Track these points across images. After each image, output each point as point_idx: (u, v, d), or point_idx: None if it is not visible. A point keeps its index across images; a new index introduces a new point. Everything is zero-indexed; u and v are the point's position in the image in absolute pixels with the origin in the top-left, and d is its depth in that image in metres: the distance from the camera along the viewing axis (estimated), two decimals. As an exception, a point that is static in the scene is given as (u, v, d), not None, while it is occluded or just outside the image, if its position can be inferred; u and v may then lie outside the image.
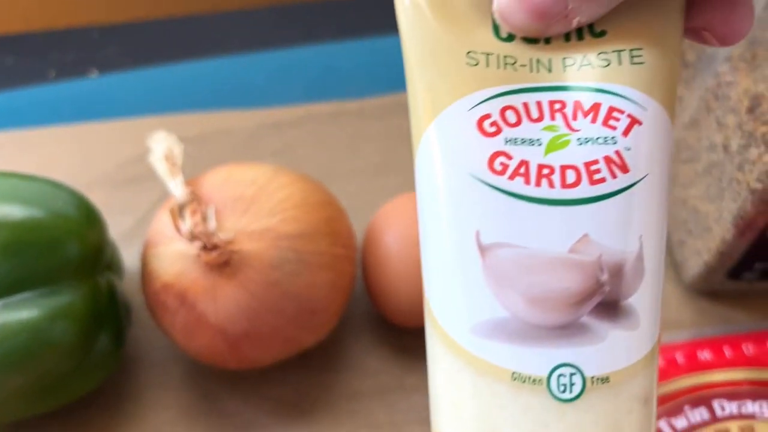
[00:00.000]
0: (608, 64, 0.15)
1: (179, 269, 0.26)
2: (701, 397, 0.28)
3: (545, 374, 0.14)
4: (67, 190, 0.27)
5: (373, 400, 0.30)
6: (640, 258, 0.15)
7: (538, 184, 0.15)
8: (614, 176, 0.15)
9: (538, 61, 0.15)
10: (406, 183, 0.36)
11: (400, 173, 0.37)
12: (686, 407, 0.27)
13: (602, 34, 0.15)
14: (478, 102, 0.15)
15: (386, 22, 0.45)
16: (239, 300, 0.26)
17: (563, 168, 0.15)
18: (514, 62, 0.15)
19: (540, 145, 0.15)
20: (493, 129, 0.15)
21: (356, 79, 0.40)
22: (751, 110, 0.24)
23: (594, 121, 0.15)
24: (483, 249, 0.15)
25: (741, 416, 0.27)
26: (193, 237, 0.25)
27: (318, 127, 0.38)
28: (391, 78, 0.40)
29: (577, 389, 0.14)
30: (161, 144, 0.28)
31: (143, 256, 0.28)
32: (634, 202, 0.15)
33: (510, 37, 0.15)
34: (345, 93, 0.40)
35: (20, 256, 0.25)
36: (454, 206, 0.15)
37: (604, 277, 0.14)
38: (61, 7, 0.60)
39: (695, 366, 0.28)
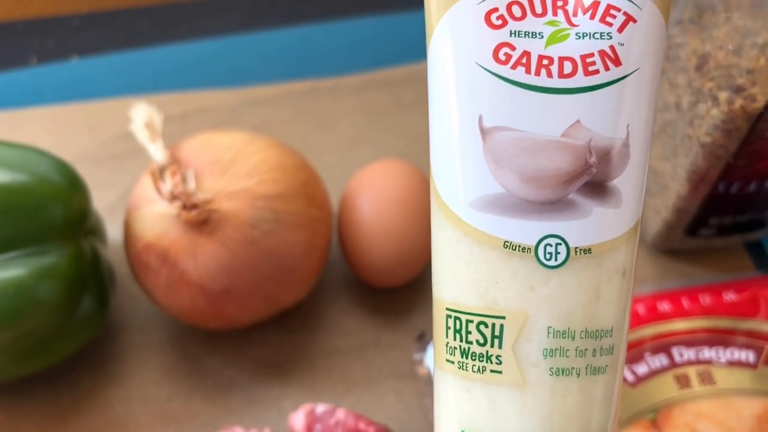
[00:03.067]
0: None
1: (161, 229, 0.27)
2: (661, 345, 0.29)
3: (533, 243, 0.16)
4: (51, 157, 0.28)
5: (350, 358, 0.31)
6: (626, 144, 0.16)
7: (537, 73, 0.16)
8: (607, 69, 0.16)
9: None
10: (379, 155, 0.38)
11: (372, 145, 0.38)
12: (647, 354, 0.29)
13: None
14: None
15: (360, 4, 0.46)
16: (219, 257, 0.27)
17: (561, 59, 0.16)
18: None
19: (542, 38, 0.16)
20: (499, 22, 0.16)
21: (331, 58, 0.42)
22: (699, 68, 0.26)
23: (592, 17, 0.16)
24: (484, 132, 0.16)
25: (699, 362, 0.29)
26: (173, 197, 0.26)
27: (295, 103, 0.39)
28: (364, 57, 0.42)
29: (561, 258, 0.16)
30: (142, 113, 0.29)
31: (126, 219, 0.29)
32: (624, 94, 0.16)
33: None
34: (320, 72, 0.41)
35: (6, 218, 0.26)
36: (460, 92, 0.16)
37: (592, 159, 0.16)
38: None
39: (655, 317, 0.30)
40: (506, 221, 0.16)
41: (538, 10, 0.16)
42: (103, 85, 0.41)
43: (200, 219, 0.26)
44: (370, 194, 0.30)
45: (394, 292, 0.33)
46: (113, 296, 0.31)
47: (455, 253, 0.17)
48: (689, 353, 0.29)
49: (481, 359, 0.17)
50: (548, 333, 0.16)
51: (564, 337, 0.16)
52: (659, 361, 0.29)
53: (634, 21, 0.16)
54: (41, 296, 0.26)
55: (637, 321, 0.30)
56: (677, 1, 0.27)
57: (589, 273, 0.16)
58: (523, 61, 0.16)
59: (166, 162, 0.27)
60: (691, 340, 0.29)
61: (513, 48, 0.16)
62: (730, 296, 0.30)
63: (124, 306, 0.33)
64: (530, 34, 0.16)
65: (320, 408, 0.27)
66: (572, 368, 0.16)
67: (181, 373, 0.31)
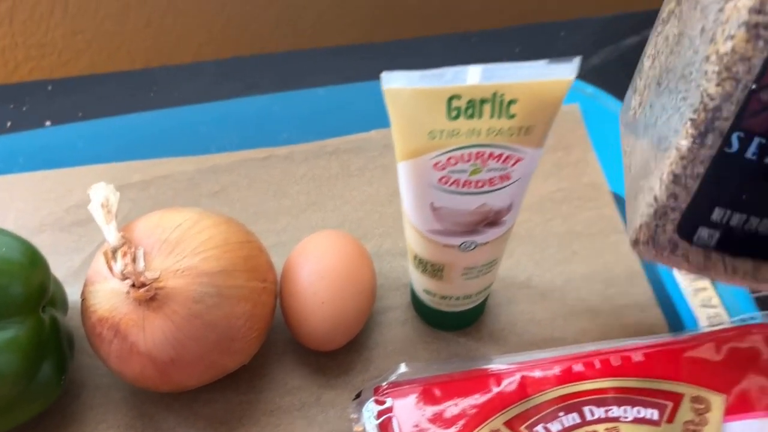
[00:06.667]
0: (513, 134, 0.25)
1: (113, 304, 0.30)
2: (574, 404, 0.32)
3: (458, 244, 0.30)
4: (12, 236, 0.31)
5: (294, 415, 0.34)
6: (510, 207, 0.29)
7: (463, 187, 0.27)
8: (502, 182, 0.27)
9: (473, 130, 0.25)
10: (328, 219, 0.40)
11: (322, 211, 0.41)
12: (560, 413, 0.32)
13: (513, 116, 0.25)
14: (434, 156, 0.26)
15: (315, 76, 0.49)
16: (165, 330, 0.29)
17: (477, 181, 0.27)
18: (458, 133, 0.25)
19: (466, 172, 0.26)
20: (441, 167, 0.26)
21: (287, 127, 0.45)
22: None
23: (497, 161, 0.26)
24: (434, 209, 0.28)
25: (607, 419, 0.31)
26: (124, 276, 0.29)
27: (250, 170, 0.42)
28: (315, 127, 0.45)
29: (472, 247, 0.30)
30: (99, 193, 0.32)
31: (83, 292, 0.31)
32: (509, 190, 0.27)
33: (456, 117, 0.25)
34: (275, 140, 0.44)
35: (-30, 297, 0.28)
36: (420, 194, 0.28)
37: (491, 215, 0.28)
38: (17, 63, 0.65)
39: (570, 378, 0.33)
40: (445, 237, 0.30)
41: (466, 159, 0.26)
42: (71, 152, 0.44)
43: (148, 296, 0.29)
44: (308, 265, 0.33)
45: (335, 354, 0.35)
46: (72, 361, 0.33)
47: (419, 242, 0.31)
48: (599, 411, 0.32)
49: (432, 274, 0.32)
50: (464, 269, 0.31)
51: (471, 269, 0.31)
52: (572, 419, 0.31)
53: (522, 159, 0.26)
54: (1, 369, 0.28)
55: (553, 382, 0.32)
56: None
57: (485, 249, 0.30)
58: (455, 182, 0.27)
59: (118, 243, 0.30)
60: (601, 399, 0.32)
61: (449, 178, 0.27)
62: (638, 357, 0.33)
63: (85, 366, 0.36)
64: (460, 171, 0.26)
65: (258, 467, 0.30)
66: (474, 276, 0.32)
67: (136, 431, 0.33)
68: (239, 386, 0.35)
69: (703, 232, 0.24)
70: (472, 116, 0.25)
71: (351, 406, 0.34)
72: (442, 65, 0.25)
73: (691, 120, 0.22)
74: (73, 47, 0.69)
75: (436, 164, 0.26)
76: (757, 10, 0.20)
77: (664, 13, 0.27)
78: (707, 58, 0.22)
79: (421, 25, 0.64)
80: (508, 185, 0.27)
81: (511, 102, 0.24)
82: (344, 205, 0.41)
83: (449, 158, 0.26)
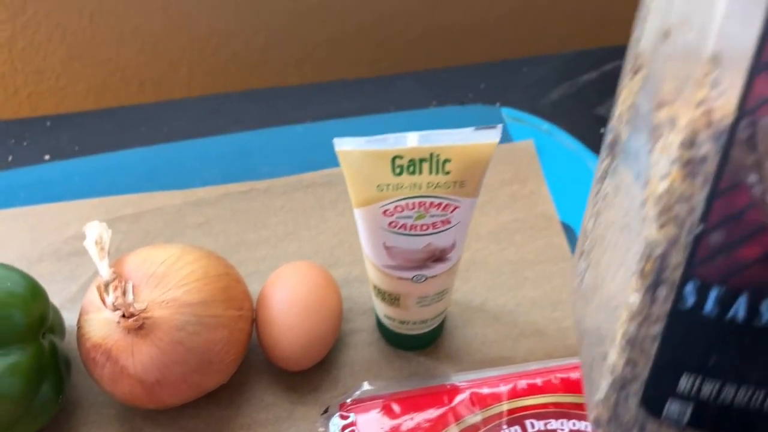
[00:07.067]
0: (449, 187, 0.30)
1: (105, 332, 0.34)
2: (516, 418, 0.36)
3: (411, 276, 0.34)
4: (15, 271, 0.35)
5: (268, 429, 0.38)
6: (453, 245, 0.33)
7: (410, 230, 0.31)
8: (444, 225, 0.31)
9: (415, 184, 0.30)
10: (303, 248, 0.44)
11: (298, 241, 0.45)
12: (504, 426, 0.35)
13: (448, 172, 0.29)
14: (383, 204, 0.30)
15: (298, 111, 0.53)
16: (152, 355, 0.33)
17: (421, 225, 0.31)
18: (402, 186, 0.30)
19: (412, 218, 0.31)
20: (390, 213, 0.31)
21: (267, 162, 0.49)
22: (659, 106, 0.20)
23: (438, 209, 0.31)
24: (387, 248, 0.32)
25: (546, 431, 0.35)
26: (115, 308, 0.33)
27: (233, 203, 0.46)
28: (295, 161, 0.49)
29: (423, 280, 0.34)
30: (94, 231, 0.36)
31: (78, 321, 0.35)
32: (451, 232, 0.32)
33: (400, 173, 0.29)
34: (257, 174, 0.48)
35: (-22, 327, 0.32)
36: (374, 235, 0.32)
37: (437, 254, 0.33)
38: (16, 88, 0.69)
39: (514, 394, 0.36)
40: (398, 271, 0.33)
41: (410, 207, 0.30)
42: (69, 185, 0.48)
43: (136, 325, 0.33)
44: (279, 294, 0.37)
45: (306, 373, 0.39)
46: (69, 381, 0.37)
47: (377, 275, 0.35)
48: (539, 424, 0.35)
49: (390, 302, 0.36)
50: (418, 298, 0.35)
51: (425, 298, 0.35)
52: (515, 431, 0.35)
53: (459, 207, 0.31)
54: (4, 391, 0.32)
55: (500, 398, 0.36)
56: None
57: (436, 281, 0.34)
58: (403, 226, 0.31)
59: (110, 278, 0.34)
60: (541, 413, 0.36)
61: (397, 222, 0.31)
62: (576, 376, 0.37)
63: (80, 385, 0.39)
64: (406, 217, 0.31)
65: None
66: (428, 304, 0.36)
67: (126, 444, 0.37)
68: (220, 402, 0.38)
69: (673, 406, 0.20)
70: (413, 173, 0.29)
71: (319, 421, 0.37)
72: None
73: (638, 271, 0.19)
74: (70, 73, 0.73)
75: (385, 211, 0.30)
76: (689, 145, 0.18)
77: (599, 172, 0.26)
78: (644, 202, 0.19)
79: (393, 63, 0.68)
80: (449, 228, 0.31)
81: (446, 161, 0.28)
82: (318, 235, 0.45)
83: (396, 206, 0.30)
